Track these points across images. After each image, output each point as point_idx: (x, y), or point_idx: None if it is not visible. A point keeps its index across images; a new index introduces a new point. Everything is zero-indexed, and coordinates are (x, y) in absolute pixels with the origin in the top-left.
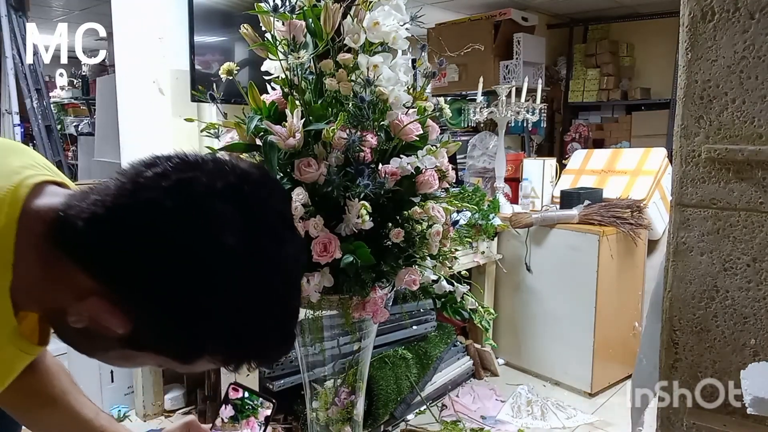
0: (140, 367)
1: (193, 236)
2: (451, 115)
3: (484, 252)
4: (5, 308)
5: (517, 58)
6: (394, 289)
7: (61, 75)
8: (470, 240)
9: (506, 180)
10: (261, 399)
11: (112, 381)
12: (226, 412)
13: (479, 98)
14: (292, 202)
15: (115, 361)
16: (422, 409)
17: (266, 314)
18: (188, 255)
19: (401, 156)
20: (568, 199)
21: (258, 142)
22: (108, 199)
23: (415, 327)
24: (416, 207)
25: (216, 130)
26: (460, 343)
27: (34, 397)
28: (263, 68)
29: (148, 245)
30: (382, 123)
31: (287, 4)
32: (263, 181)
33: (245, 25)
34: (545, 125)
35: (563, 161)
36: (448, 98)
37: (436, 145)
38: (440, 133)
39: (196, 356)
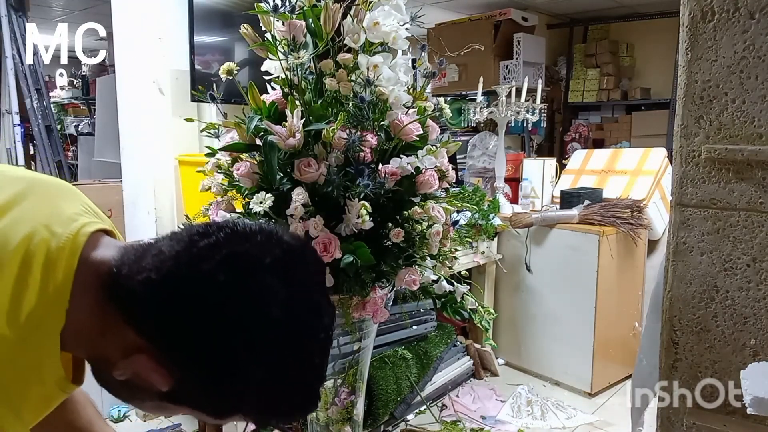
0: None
1: (242, 309)
2: (451, 115)
3: (484, 252)
4: (54, 350)
5: (517, 58)
6: (394, 289)
7: (61, 75)
8: (470, 240)
9: (506, 180)
10: None
11: None
12: None
13: (479, 98)
14: (327, 271)
15: (150, 410)
16: (422, 409)
17: (299, 380)
18: (236, 325)
19: (401, 156)
20: (568, 199)
21: (258, 142)
22: (163, 266)
23: (415, 327)
24: (416, 207)
25: (216, 130)
26: (460, 343)
27: (63, 428)
28: (263, 68)
29: (199, 314)
30: (382, 123)
31: (287, 4)
32: (304, 254)
33: (245, 25)
34: (545, 125)
35: (563, 161)
36: (448, 98)
37: (436, 145)
38: (440, 133)
39: (230, 414)
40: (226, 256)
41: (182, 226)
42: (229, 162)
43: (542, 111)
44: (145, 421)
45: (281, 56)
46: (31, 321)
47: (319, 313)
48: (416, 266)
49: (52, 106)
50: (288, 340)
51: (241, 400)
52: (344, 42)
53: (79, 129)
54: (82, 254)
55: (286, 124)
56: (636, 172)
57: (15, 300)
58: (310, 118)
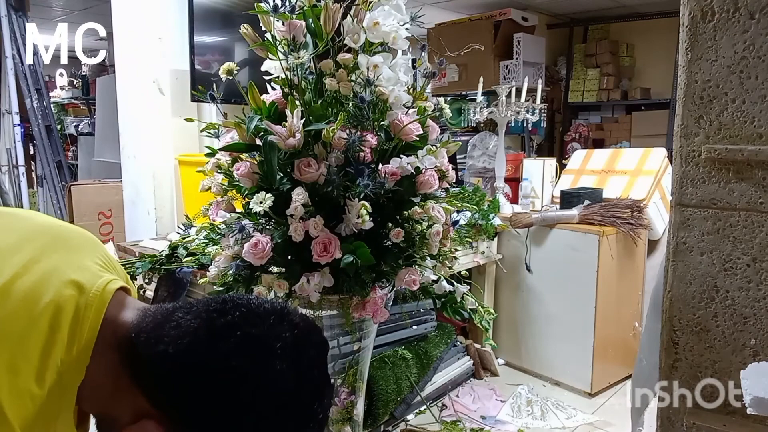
0: None
1: (254, 393)
2: (451, 115)
3: (484, 252)
4: (70, 404)
5: (517, 58)
6: (394, 289)
7: (61, 75)
8: (470, 240)
9: (506, 180)
10: None
11: None
12: None
13: (479, 98)
14: (329, 348)
15: None
16: (422, 409)
17: None
18: (246, 408)
19: (401, 156)
20: (568, 199)
21: (258, 142)
22: (181, 341)
23: (415, 327)
24: (416, 207)
25: (216, 130)
26: (460, 343)
27: None
28: (263, 68)
29: (212, 393)
30: (382, 123)
31: (287, 4)
32: (311, 335)
33: (245, 25)
34: (545, 125)
35: (563, 161)
36: (448, 98)
37: (436, 145)
38: (440, 133)
39: None
40: (241, 339)
41: (200, 300)
42: (229, 162)
43: (542, 111)
44: None
45: (281, 56)
46: (57, 378)
47: (321, 395)
48: (416, 266)
49: (52, 106)
50: (292, 422)
51: None
52: (344, 42)
53: (79, 129)
54: (106, 314)
55: (286, 124)
56: (636, 172)
57: (44, 358)
58: (310, 118)
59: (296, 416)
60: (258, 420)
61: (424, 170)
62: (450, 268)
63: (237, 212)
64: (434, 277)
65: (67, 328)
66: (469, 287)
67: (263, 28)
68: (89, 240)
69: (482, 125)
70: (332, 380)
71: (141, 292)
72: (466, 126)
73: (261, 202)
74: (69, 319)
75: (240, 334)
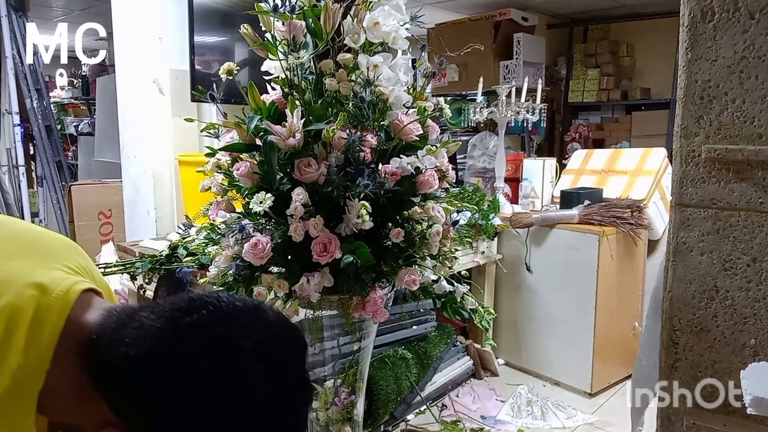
0: None
1: (220, 398)
2: (451, 115)
3: (484, 252)
4: (29, 411)
5: (517, 58)
6: (394, 289)
7: (61, 75)
8: (470, 240)
9: (506, 180)
10: None
11: None
12: None
13: (479, 98)
14: (308, 348)
15: None
16: (422, 409)
17: None
18: (211, 414)
19: (401, 156)
20: (568, 199)
21: (258, 142)
22: (143, 343)
23: (415, 327)
24: (416, 207)
25: (216, 130)
26: (460, 343)
27: None
28: (263, 68)
29: (175, 398)
30: (382, 123)
31: (287, 4)
32: (287, 334)
33: (245, 25)
34: (545, 125)
35: (563, 161)
36: (448, 98)
37: (436, 145)
38: (440, 133)
39: None
40: (207, 341)
41: (168, 299)
42: (229, 162)
43: (542, 111)
44: None
45: (281, 56)
46: (12, 384)
47: (298, 400)
48: (416, 266)
49: (52, 106)
50: (262, 423)
51: None
52: (344, 42)
53: (79, 129)
54: (70, 315)
55: (286, 124)
56: (636, 172)
57: None
58: (310, 118)
59: (270, 425)
60: (225, 426)
61: (424, 170)
62: (450, 268)
63: (237, 212)
64: (434, 277)
65: (25, 331)
66: (469, 287)
67: (263, 28)
68: (69, 247)
69: (482, 125)
70: (314, 384)
71: (141, 292)
72: (466, 126)
73: (261, 202)
74: (27, 321)
75: (207, 335)
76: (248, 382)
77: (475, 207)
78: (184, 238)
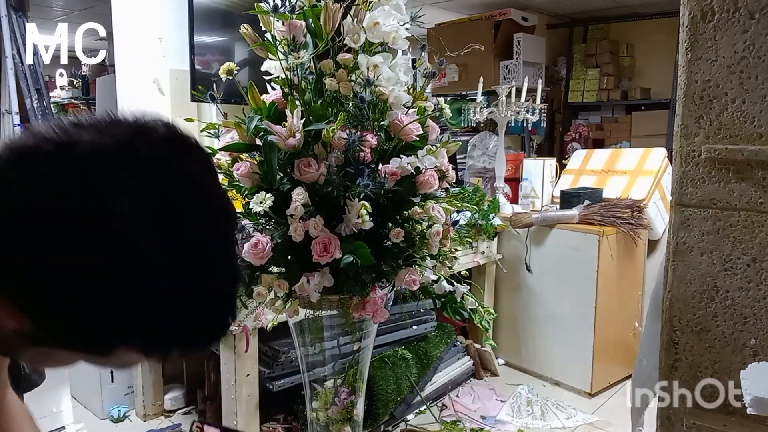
0: (65, 367)
1: (73, 211)
2: (451, 115)
3: (484, 252)
4: None
5: (517, 58)
6: (394, 289)
7: (61, 75)
8: (470, 240)
9: (506, 180)
10: None
11: (112, 381)
12: None
13: (479, 98)
14: (213, 165)
15: (34, 362)
16: (422, 409)
17: (179, 289)
18: (70, 236)
19: (401, 156)
20: (568, 199)
21: (258, 142)
22: None
23: (415, 327)
24: (416, 207)
25: (216, 130)
26: (460, 343)
27: None
28: (263, 68)
29: (14, 228)
30: (382, 123)
31: (287, 4)
32: (187, 158)
33: (245, 25)
34: (545, 125)
35: (563, 161)
36: (448, 98)
37: (436, 145)
38: (440, 133)
39: (108, 348)
40: (52, 149)
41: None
42: (229, 162)
43: (542, 111)
44: (145, 421)
45: (281, 56)
46: None
47: (203, 263)
48: (416, 266)
49: (52, 106)
50: (142, 243)
51: (111, 327)
52: (344, 42)
53: None
54: None
55: (286, 124)
56: (636, 172)
57: None
58: (310, 118)
59: (146, 237)
60: (89, 251)
61: (424, 170)
62: (450, 268)
63: (237, 212)
64: (434, 277)
65: None
66: (469, 287)
67: (263, 28)
68: None
69: (482, 125)
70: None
71: None
72: (466, 126)
73: (261, 202)
74: None
75: (51, 145)
76: (103, 191)
77: (475, 207)
78: None
